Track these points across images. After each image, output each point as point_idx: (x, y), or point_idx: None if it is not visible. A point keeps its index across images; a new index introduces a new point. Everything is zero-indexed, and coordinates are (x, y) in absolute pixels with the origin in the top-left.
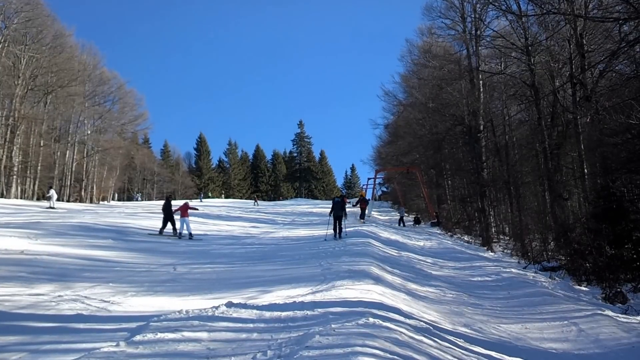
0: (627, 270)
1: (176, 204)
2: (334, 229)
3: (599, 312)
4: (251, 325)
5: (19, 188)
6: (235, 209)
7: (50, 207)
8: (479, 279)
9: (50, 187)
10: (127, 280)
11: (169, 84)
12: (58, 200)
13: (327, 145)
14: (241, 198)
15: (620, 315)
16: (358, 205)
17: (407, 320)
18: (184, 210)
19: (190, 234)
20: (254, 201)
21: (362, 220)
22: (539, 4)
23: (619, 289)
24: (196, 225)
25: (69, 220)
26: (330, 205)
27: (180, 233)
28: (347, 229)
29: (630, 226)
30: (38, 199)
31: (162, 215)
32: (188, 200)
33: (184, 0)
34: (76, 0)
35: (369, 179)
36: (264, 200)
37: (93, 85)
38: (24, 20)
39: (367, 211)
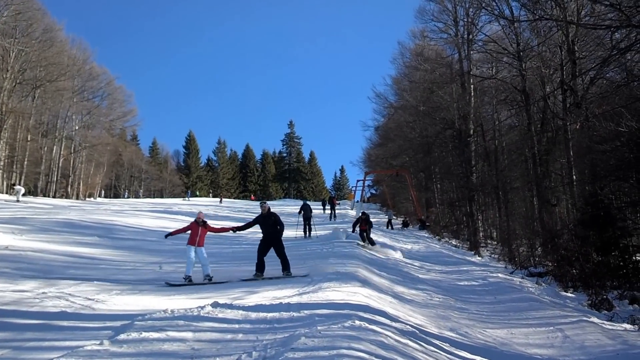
0: (614, 277)
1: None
2: (304, 230)
3: (585, 318)
4: (237, 325)
5: (5, 183)
6: (223, 209)
7: (17, 201)
8: (466, 283)
9: (14, 184)
10: (112, 278)
11: (158, 81)
12: (45, 196)
13: (317, 146)
14: (229, 197)
15: (605, 322)
16: (357, 228)
17: (393, 324)
18: (198, 234)
19: (207, 275)
20: (219, 199)
21: (366, 245)
22: (532, 10)
23: (605, 296)
24: (183, 225)
25: (55, 216)
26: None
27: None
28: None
29: (618, 233)
30: (6, 193)
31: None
32: (201, 211)
33: None
34: None
35: (358, 180)
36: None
37: (82, 81)
38: (13, 13)
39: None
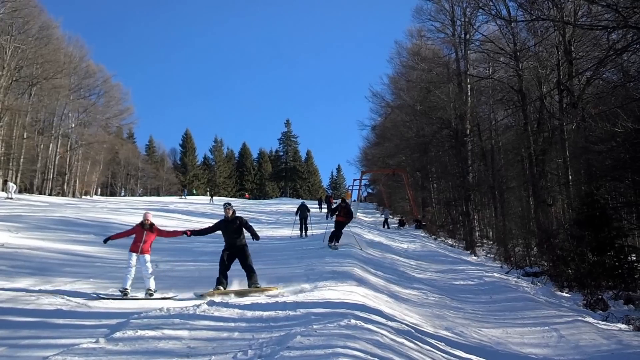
0: (609, 277)
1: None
2: (300, 229)
3: (580, 318)
4: (232, 324)
5: (0, 180)
6: (220, 207)
7: (9, 198)
8: (462, 282)
9: (7, 181)
10: (108, 276)
11: (155, 79)
12: (41, 193)
13: (314, 145)
14: (226, 196)
15: (600, 322)
16: (334, 216)
17: (389, 323)
18: (142, 239)
19: (149, 289)
20: (210, 198)
21: (332, 244)
22: (529, 10)
23: (600, 296)
24: (179, 223)
25: (51, 214)
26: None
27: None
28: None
29: (613, 233)
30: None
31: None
32: (148, 212)
33: None
34: None
35: (354, 180)
36: (253, 198)
37: (78, 78)
38: (10, 10)
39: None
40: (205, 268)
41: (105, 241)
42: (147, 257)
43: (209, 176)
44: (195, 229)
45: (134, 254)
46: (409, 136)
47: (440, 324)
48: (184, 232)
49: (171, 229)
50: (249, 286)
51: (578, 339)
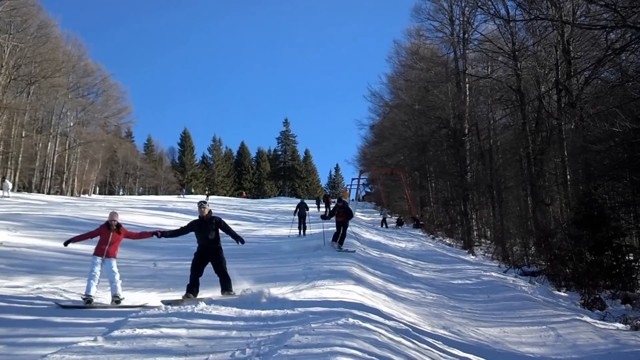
0: (606, 277)
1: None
2: (299, 228)
3: (578, 317)
4: (230, 323)
5: None
6: (219, 206)
7: (3, 197)
8: (460, 282)
9: (4, 178)
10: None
11: (154, 78)
12: (39, 192)
13: (312, 144)
14: (225, 195)
15: (598, 321)
16: (333, 215)
17: (387, 322)
18: (108, 241)
19: (115, 296)
20: (205, 197)
21: (337, 245)
22: (527, 9)
23: (597, 296)
24: (177, 222)
25: (49, 213)
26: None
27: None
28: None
29: (611, 233)
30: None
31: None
32: (115, 211)
33: None
34: None
35: (353, 179)
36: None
37: (77, 77)
38: (8, 8)
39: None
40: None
41: (65, 244)
42: (114, 261)
43: (207, 175)
44: (167, 230)
45: (99, 258)
46: (407, 135)
47: (438, 323)
48: (154, 233)
49: (140, 230)
50: (222, 294)
51: (575, 338)
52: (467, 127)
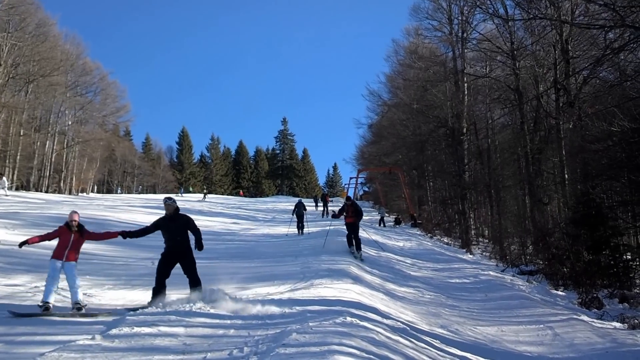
0: (604, 276)
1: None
2: (297, 227)
3: (575, 316)
4: (228, 321)
5: None
6: (217, 205)
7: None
8: (457, 280)
9: (1, 175)
10: (105, 273)
11: (152, 77)
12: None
13: (310, 143)
14: (222, 194)
15: (595, 320)
16: (342, 214)
17: (385, 320)
18: (69, 244)
19: (77, 303)
20: (203, 195)
21: (356, 252)
22: (526, 9)
23: (595, 295)
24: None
25: (47, 211)
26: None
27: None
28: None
29: (609, 232)
30: None
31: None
32: (75, 211)
33: None
34: None
35: (351, 178)
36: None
37: (75, 76)
38: (6, 7)
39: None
40: (201, 266)
41: (20, 245)
42: (74, 264)
43: (205, 174)
44: (131, 230)
45: (58, 261)
46: (405, 135)
47: (436, 322)
48: (119, 234)
49: (103, 231)
50: (190, 290)
51: (573, 337)
52: (465, 127)
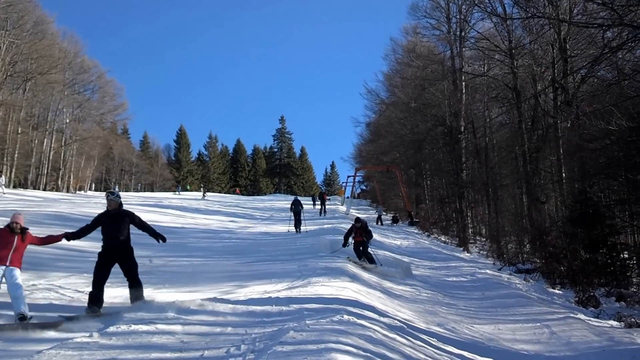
0: (601, 274)
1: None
2: (295, 225)
3: (572, 315)
4: (226, 319)
5: None
6: (215, 203)
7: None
8: (454, 279)
9: (0, 172)
10: None
11: (150, 75)
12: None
13: (308, 141)
14: (220, 192)
15: (592, 318)
16: (351, 239)
17: (382, 319)
18: (12, 247)
19: (20, 313)
20: (202, 194)
21: (364, 264)
22: (524, 8)
23: (592, 293)
24: (173, 219)
25: (45, 209)
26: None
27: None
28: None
29: (606, 231)
30: None
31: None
32: (19, 213)
33: None
34: None
35: (348, 176)
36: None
37: (73, 74)
38: (5, 5)
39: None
40: (199, 264)
41: None
42: (17, 271)
43: (203, 172)
44: (75, 231)
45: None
46: (403, 133)
47: (433, 320)
48: (63, 236)
49: (45, 234)
50: (132, 302)
51: (569, 336)
52: (463, 125)
